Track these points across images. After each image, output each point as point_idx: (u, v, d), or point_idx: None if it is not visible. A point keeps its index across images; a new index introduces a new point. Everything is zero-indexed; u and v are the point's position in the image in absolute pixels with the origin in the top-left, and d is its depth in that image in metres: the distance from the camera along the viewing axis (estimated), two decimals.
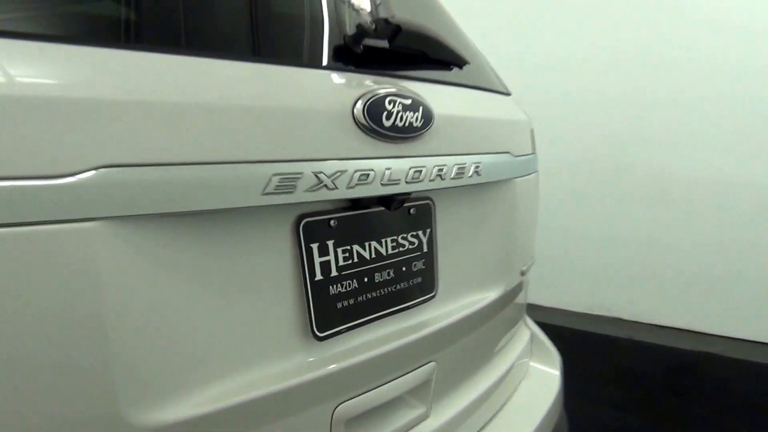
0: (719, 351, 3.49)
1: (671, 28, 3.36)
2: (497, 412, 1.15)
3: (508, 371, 1.20)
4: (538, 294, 1.61)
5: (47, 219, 0.54)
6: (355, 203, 0.83)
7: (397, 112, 0.82)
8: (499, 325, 1.18)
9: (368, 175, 0.79)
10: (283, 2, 0.88)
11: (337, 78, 0.82)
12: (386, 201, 0.85)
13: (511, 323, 1.26)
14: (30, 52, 0.57)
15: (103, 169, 0.56)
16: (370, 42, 0.86)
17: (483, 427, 1.10)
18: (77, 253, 0.56)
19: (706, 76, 3.30)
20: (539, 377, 1.32)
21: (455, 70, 1.07)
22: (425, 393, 0.96)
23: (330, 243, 0.80)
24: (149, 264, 0.62)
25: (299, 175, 0.71)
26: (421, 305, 0.95)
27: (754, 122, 3.23)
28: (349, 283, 0.82)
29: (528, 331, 1.40)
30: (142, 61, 0.63)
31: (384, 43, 0.86)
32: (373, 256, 0.86)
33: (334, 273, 0.80)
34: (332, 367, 0.78)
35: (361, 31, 0.85)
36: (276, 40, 0.83)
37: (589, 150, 3.68)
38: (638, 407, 2.95)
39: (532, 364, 1.36)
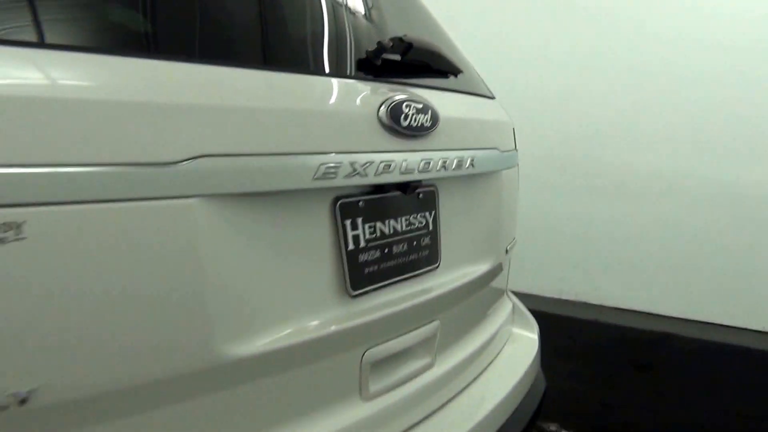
0: (677, 331, 3.77)
1: (638, 38, 3.62)
2: (487, 366, 1.36)
3: (495, 333, 1.41)
4: (512, 281, 1.79)
5: (161, 195, 0.72)
6: (378, 188, 1.02)
7: (412, 114, 1.02)
8: (489, 293, 1.38)
9: (390, 165, 0.99)
10: (322, 27, 1.06)
11: (362, 86, 1.01)
12: (402, 187, 1.05)
13: (498, 293, 1.47)
14: (149, 70, 0.75)
15: (199, 158, 0.74)
16: (386, 56, 1.05)
17: (476, 378, 1.30)
18: (182, 222, 0.74)
19: (666, 82, 3.57)
20: (521, 340, 1.53)
21: (452, 78, 1.26)
22: (431, 346, 1.16)
23: (359, 220, 0.99)
24: (232, 231, 0.81)
25: (339, 165, 0.90)
26: (427, 274, 1.15)
27: (709, 122, 3.50)
28: (373, 252, 1.02)
29: (510, 302, 1.61)
30: (227, 75, 0.82)
31: (397, 57, 1.06)
32: (391, 231, 1.05)
33: (362, 244, 1.00)
34: (362, 319, 0.98)
35: (380, 47, 1.04)
36: (319, 56, 1.02)
37: (558, 146, 3.92)
38: (603, 381, 3.20)
39: (514, 330, 1.57)
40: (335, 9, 1.11)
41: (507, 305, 1.56)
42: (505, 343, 1.50)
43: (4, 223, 0.61)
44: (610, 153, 4.04)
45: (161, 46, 0.83)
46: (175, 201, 0.74)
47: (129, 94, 0.71)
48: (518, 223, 1.62)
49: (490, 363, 1.39)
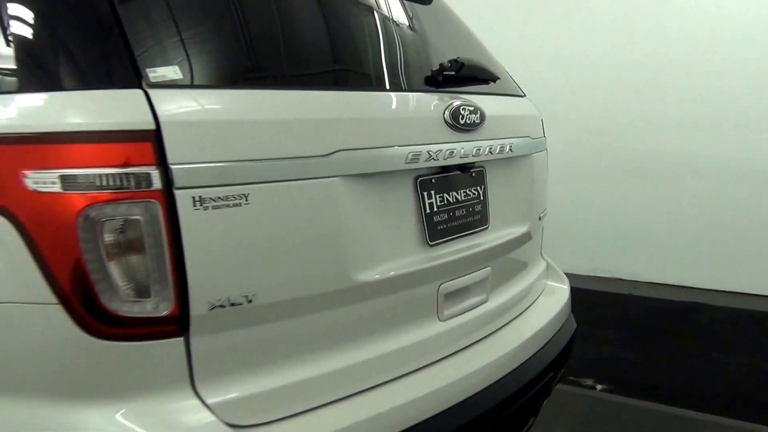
0: (706, 300, 4.11)
1: (657, 32, 3.97)
2: (528, 306, 1.76)
3: (533, 282, 1.80)
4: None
5: (316, 176, 1.15)
6: (444, 169, 1.43)
7: (466, 115, 1.43)
8: (526, 250, 1.78)
9: (452, 152, 1.40)
10: (404, 58, 1.49)
11: (432, 97, 1.43)
12: (461, 167, 1.46)
13: (534, 251, 1.87)
14: (312, 98, 1.18)
15: (341, 152, 1.17)
16: (446, 73, 1.46)
17: (519, 315, 1.70)
18: (329, 192, 1.17)
19: (686, 72, 3.91)
20: (554, 291, 1.93)
21: (491, 84, 1.66)
22: (485, 286, 1.56)
23: (432, 192, 1.40)
24: (356, 198, 1.23)
25: (420, 153, 1.32)
26: (481, 232, 1.55)
27: (728, 108, 3.84)
28: (443, 215, 1.43)
29: (544, 261, 2.00)
30: (350, 97, 1.25)
31: (453, 73, 1.46)
32: (454, 200, 1.46)
33: (435, 209, 1.41)
34: (437, 262, 1.39)
35: (441, 67, 1.45)
36: (403, 79, 1.44)
37: (585, 135, 4.27)
38: (635, 345, 3.55)
39: (548, 282, 1.96)
40: (411, 43, 1.54)
41: (542, 263, 1.96)
42: (541, 292, 1.89)
43: (240, 194, 1.05)
44: (635, 139, 4.39)
45: (314, 82, 1.28)
46: (325, 179, 1.17)
47: (303, 114, 1.15)
48: (550, 201, 2.01)
49: (531, 305, 1.79)
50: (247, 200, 1.06)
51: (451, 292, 1.44)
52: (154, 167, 1.00)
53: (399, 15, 1.62)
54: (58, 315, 1.00)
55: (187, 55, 1.13)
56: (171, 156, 1.01)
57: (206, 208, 1.03)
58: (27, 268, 0.99)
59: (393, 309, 1.32)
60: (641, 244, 4.49)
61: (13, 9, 1.10)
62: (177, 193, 1.01)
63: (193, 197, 1.02)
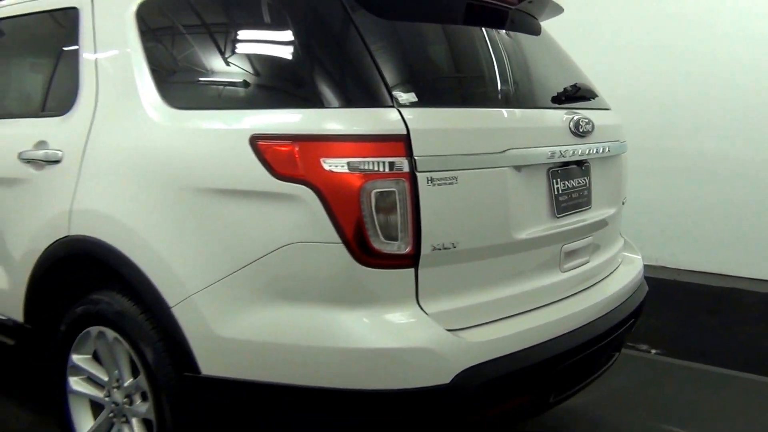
0: (743, 287, 4.61)
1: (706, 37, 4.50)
2: (614, 270, 2.31)
3: (616, 252, 2.36)
4: None
5: (495, 166, 1.72)
6: (567, 164, 1.99)
7: (583, 124, 1.99)
8: (613, 226, 2.34)
9: (573, 152, 1.96)
10: (540, 83, 2.06)
11: (560, 112, 2.01)
12: (577, 163, 2.02)
13: (617, 227, 2.42)
14: (491, 115, 1.76)
15: (510, 150, 1.74)
16: (566, 94, 2.02)
17: (609, 275, 2.26)
18: (502, 178, 1.76)
19: (731, 76, 4.43)
20: (632, 260, 2.48)
21: (592, 101, 2.22)
22: (588, 250, 2.12)
23: (558, 179, 1.97)
24: (515, 183, 1.80)
25: (555, 152, 1.88)
26: (586, 210, 2.11)
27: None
28: (564, 196, 2.00)
29: (623, 238, 2.55)
30: (515, 113, 1.86)
31: (572, 94, 2.03)
32: (571, 186, 2.03)
33: (560, 192, 1.98)
34: (561, 229, 1.96)
35: (565, 90, 2.02)
36: (541, 97, 2.03)
37: (635, 136, 4.76)
38: (681, 320, 4.07)
39: (625, 254, 2.51)
40: (539, 70, 2.12)
41: (621, 239, 2.51)
42: (621, 261, 2.44)
43: (453, 177, 1.63)
44: (682, 140, 4.92)
45: (491, 103, 1.93)
46: (500, 168, 1.75)
47: (488, 124, 1.74)
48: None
49: (615, 269, 2.34)
50: (456, 181, 1.64)
51: (568, 251, 2.01)
52: (404, 158, 1.58)
53: (528, 46, 2.20)
54: (341, 251, 1.59)
55: (418, 87, 1.72)
56: (416, 151, 1.59)
57: (434, 185, 1.61)
58: (322, 220, 1.58)
59: (534, 259, 1.90)
60: (684, 236, 5.00)
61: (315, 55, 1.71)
62: (418, 175, 1.59)
63: (427, 178, 1.60)
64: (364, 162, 1.57)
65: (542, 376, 1.83)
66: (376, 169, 1.57)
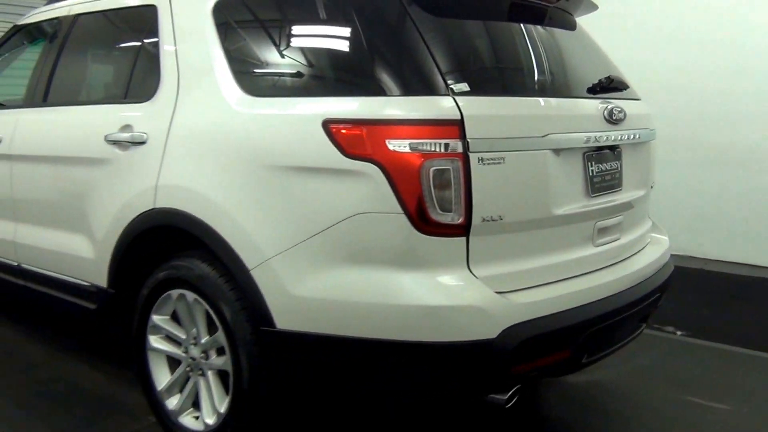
0: (766, 275, 4.76)
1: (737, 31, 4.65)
2: (642, 248, 2.52)
3: (645, 232, 2.57)
4: None
5: (537, 149, 1.96)
6: (600, 148, 2.21)
7: (617, 113, 2.20)
8: (642, 208, 2.54)
9: (607, 137, 2.18)
10: (578, 75, 2.27)
11: (596, 101, 2.22)
12: (611, 147, 2.23)
13: (646, 209, 2.63)
14: (533, 103, 2.00)
15: (550, 135, 1.96)
16: (601, 85, 2.23)
17: (638, 251, 2.47)
18: (543, 159, 1.99)
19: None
20: (659, 240, 2.68)
21: (624, 91, 2.42)
22: (619, 228, 2.34)
23: (593, 161, 2.19)
24: (554, 164, 2.03)
25: (590, 137, 2.10)
26: (618, 192, 2.33)
27: None
28: (598, 177, 2.22)
29: (650, 220, 2.74)
30: (556, 101, 2.09)
31: (607, 85, 2.24)
32: (604, 169, 2.25)
33: (594, 174, 2.19)
34: (596, 207, 2.18)
35: (600, 81, 2.23)
36: (579, 87, 2.24)
37: (665, 126, 4.91)
38: (705, 304, 4.24)
39: (653, 234, 2.70)
40: (575, 62, 2.34)
41: (649, 220, 2.71)
42: (649, 241, 2.64)
43: (500, 158, 1.86)
44: (713, 133, 5.06)
45: (534, 91, 2.18)
46: (541, 151, 1.98)
47: (531, 111, 1.98)
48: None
49: (643, 248, 2.55)
50: (504, 161, 1.86)
51: (600, 228, 2.22)
52: (458, 140, 1.81)
53: (565, 41, 2.41)
54: (402, 220, 1.83)
55: (469, 77, 1.95)
56: (468, 133, 1.81)
57: (484, 164, 1.84)
58: (387, 193, 1.82)
59: (570, 233, 2.12)
60: (711, 228, 5.15)
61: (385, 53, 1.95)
62: (470, 155, 1.82)
63: (478, 158, 1.83)
64: (423, 143, 1.80)
65: (575, 337, 2.04)
66: (433, 149, 1.80)
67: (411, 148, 1.81)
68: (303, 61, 2.15)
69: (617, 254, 2.32)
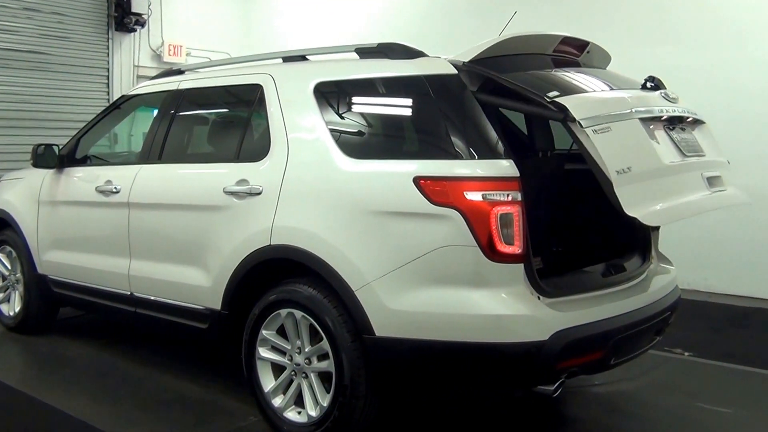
0: (764, 306, 5.33)
1: None
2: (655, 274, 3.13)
3: (734, 193, 3.12)
4: None
5: (629, 119, 2.72)
6: (672, 120, 2.87)
7: (670, 93, 2.93)
8: (724, 171, 2.95)
9: (672, 109, 2.87)
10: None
11: (651, 93, 2.92)
12: (679, 119, 2.91)
13: (725, 175, 3.13)
14: None
15: (635, 109, 2.67)
16: (646, 83, 2.95)
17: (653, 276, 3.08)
18: (635, 126, 2.68)
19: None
20: (666, 270, 3.29)
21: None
22: (720, 182, 3.17)
23: (673, 132, 2.84)
24: (641, 128, 2.67)
25: (652, 111, 2.78)
26: (703, 157, 2.97)
27: None
28: (683, 144, 2.86)
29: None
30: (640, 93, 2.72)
31: (653, 84, 2.95)
32: (683, 139, 2.87)
33: (679, 141, 2.84)
34: (694, 161, 2.91)
35: (645, 81, 2.96)
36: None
37: None
38: (710, 329, 4.81)
39: (662, 265, 3.31)
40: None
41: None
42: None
43: (608, 127, 2.54)
44: None
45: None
46: (633, 120, 2.67)
47: (626, 99, 2.62)
48: None
49: (654, 275, 3.16)
50: (611, 129, 2.51)
51: (708, 177, 2.87)
52: (517, 192, 2.46)
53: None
54: (477, 251, 2.46)
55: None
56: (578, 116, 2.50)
57: (597, 133, 2.47)
58: (465, 231, 2.46)
59: (687, 180, 2.78)
60: (716, 263, 5.69)
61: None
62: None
63: (593, 129, 2.47)
64: (492, 194, 2.46)
65: (606, 342, 2.63)
66: (499, 199, 2.45)
67: (483, 198, 2.45)
68: (392, 131, 2.84)
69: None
